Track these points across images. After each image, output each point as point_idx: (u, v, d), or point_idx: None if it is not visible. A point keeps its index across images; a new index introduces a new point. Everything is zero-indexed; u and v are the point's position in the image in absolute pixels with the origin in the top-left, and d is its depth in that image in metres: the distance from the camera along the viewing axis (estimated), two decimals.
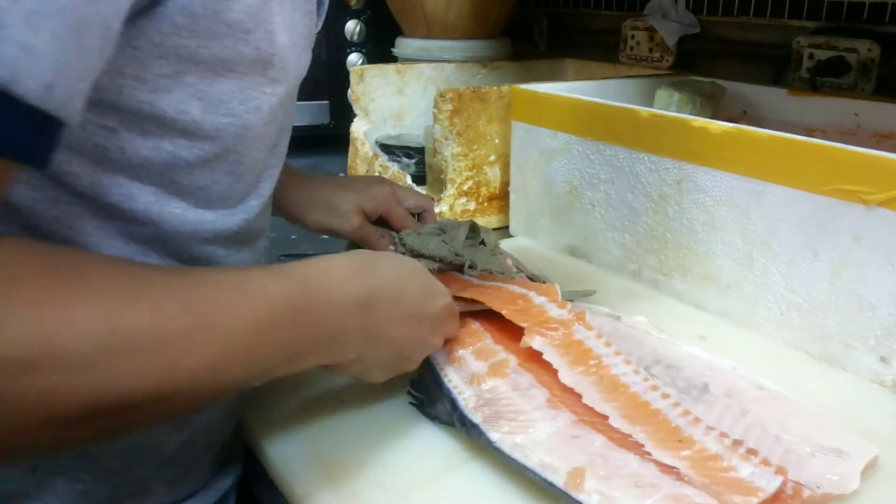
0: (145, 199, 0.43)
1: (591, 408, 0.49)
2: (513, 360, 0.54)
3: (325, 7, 0.54)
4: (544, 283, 0.68)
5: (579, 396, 0.50)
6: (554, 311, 0.58)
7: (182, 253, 0.47)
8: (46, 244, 0.36)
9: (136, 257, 0.45)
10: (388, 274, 0.49)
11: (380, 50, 1.36)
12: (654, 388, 0.53)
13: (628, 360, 0.55)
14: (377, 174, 1.09)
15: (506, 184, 0.96)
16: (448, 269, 0.70)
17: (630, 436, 0.48)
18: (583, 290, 0.77)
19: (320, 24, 0.54)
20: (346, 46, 1.36)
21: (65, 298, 0.32)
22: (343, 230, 0.73)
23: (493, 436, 0.47)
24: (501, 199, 0.97)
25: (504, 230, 0.96)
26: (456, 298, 0.62)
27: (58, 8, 0.30)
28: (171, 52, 0.40)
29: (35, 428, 0.32)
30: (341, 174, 1.23)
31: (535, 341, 0.54)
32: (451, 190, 0.94)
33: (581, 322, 0.56)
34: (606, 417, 0.49)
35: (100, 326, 0.32)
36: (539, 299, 0.59)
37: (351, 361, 0.47)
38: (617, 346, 0.60)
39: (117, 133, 0.41)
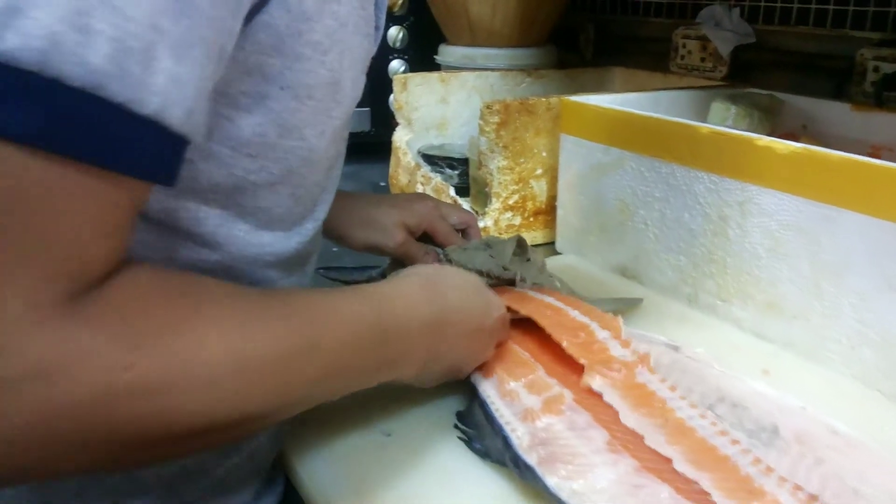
0: (213, 221, 0.43)
1: (655, 452, 0.46)
2: (568, 395, 0.51)
3: (381, 31, 0.53)
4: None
5: (641, 439, 0.46)
6: (617, 350, 0.55)
7: (242, 279, 0.46)
8: (167, 271, 0.37)
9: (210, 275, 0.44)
10: (453, 294, 0.51)
11: (422, 57, 1.34)
12: (723, 433, 0.49)
13: (695, 405, 0.51)
14: (419, 185, 1.06)
15: (553, 198, 0.93)
16: (497, 283, 0.67)
17: (696, 482, 0.45)
18: (630, 299, 0.74)
19: (375, 49, 0.53)
20: (388, 53, 1.34)
21: (194, 326, 0.34)
22: (387, 246, 0.71)
23: (550, 480, 0.44)
24: (548, 214, 0.94)
25: (550, 246, 0.93)
26: (510, 310, 0.60)
27: (199, 38, 0.32)
28: (255, 69, 0.39)
29: (152, 444, 0.33)
30: (382, 183, 1.21)
31: (595, 381, 0.51)
32: (496, 204, 0.91)
33: (645, 365, 0.53)
34: (670, 461, 0.46)
35: (229, 350, 0.35)
36: (602, 333, 0.56)
37: (412, 378, 0.49)
38: (677, 379, 0.57)
39: (191, 162, 0.40)
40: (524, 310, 0.60)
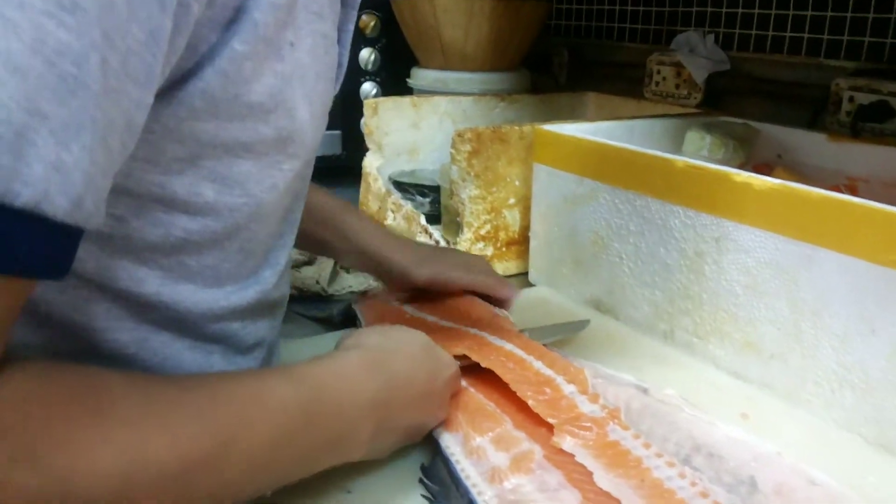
0: (153, 282, 0.41)
1: None
2: (538, 451, 0.49)
3: (344, 69, 0.51)
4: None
5: (617, 501, 0.44)
6: (586, 407, 0.52)
7: (195, 330, 0.44)
8: (63, 367, 0.33)
9: (148, 337, 0.42)
10: (399, 363, 0.49)
11: (394, 79, 1.32)
12: (704, 493, 0.47)
13: (672, 463, 0.49)
14: (390, 212, 1.03)
15: (526, 228, 0.90)
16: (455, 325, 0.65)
17: None
18: (575, 323, 0.72)
19: (338, 87, 0.51)
20: (359, 75, 1.31)
21: (88, 434, 0.31)
22: (460, 280, 0.71)
23: None
24: (521, 244, 0.91)
25: (523, 277, 0.91)
26: (466, 359, 0.58)
27: (89, 119, 0.29)
28: (188, 136, 0.37)
29: None
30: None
31: (565, 442, 0.48)
32: (467, 234, 0.89)
33: (616, 421, 0.51)
34: None
35: (122, 461, 0.32)
36: (568, 388, 0.54)
37: (357, 456, 0.47)
38: (650, 426, 0.55)
39: (125, 221, 0.38)
40: (485, 362, 0.57)
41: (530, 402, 0.53)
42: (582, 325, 0.73)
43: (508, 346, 0.61)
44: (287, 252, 0.51)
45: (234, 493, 0.37)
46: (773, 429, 0.59)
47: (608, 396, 0.58)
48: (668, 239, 0.69)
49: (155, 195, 0.38)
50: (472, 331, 0.64)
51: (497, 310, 0.70)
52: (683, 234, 0.68)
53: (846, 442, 0.58)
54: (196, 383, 0.38)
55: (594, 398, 0.55)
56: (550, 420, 0.51)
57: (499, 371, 0.56)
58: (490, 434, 0.51)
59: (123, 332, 0.41)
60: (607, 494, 0.44)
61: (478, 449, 0.49)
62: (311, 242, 0.72)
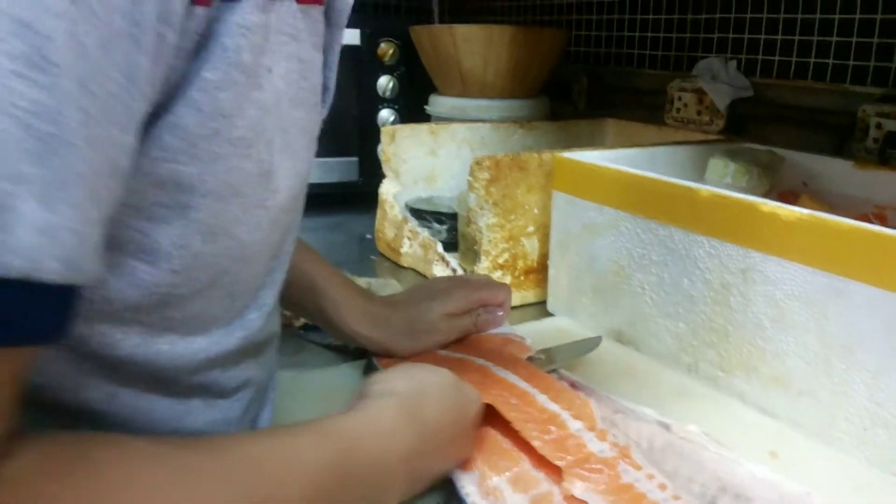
0: (130, 342, 0.38)
1: None
2: (557, 493, 0.47)
3: (332, 92, 0.49)
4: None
5: None
6: (594, 445, 0.50)
7: (173, 385, 0.41)
8: (65, 439, 0.31)
9: (118, 392, 0.39)
10: (430, 408, 0.47)
11: (412, 106, 1.31)
12: None
13: None
14: (406, 239, 1.02)
15: (544, 256, 0.89)
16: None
17: None
18: (587, 340, 0.70)
19: (325, 112, 0.49)
20: (377, 102, 1.31)
21: None
22: (441, 344, 0.69)
23: None
24: (539, 272, 0.90)
25: (541, 306, 0.89)
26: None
27: (74, 175, 0.27)
28: (167, 180, 0.34)
29: None
30: (368, 235, 1.17)
31: (576, 488, 0.46)
32: (485, 262, 0.87)
33: (628, 460, 0.49)
34: None
35: None
36: (575, 424, 0.52)
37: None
38: (675, 466, 0.53)
39: (104, 281, 0.35)
40: (487, 397, 0.55)
41: (535, 444, 0.51)
42: (595, 342, 0.71)
43: (512, 378, 0.59)
44: (276, 291, 0.48)
45: None
46: (803, 468, 0.56)
47: (629, 432, 0.56)
48: (692, 270, 0.68)
49: (137, 244, 0.35)
50: (479, 362, 0.63)
51: (512, 333, 0.68)
52: (708, 265, 0.66)
53: (878, 481, 0.55)
54: (225, 447, 0.37)
55: (602, 435, 0.53)
56: (558, 463, 0.49)
57: (501, 409, 0.54)
58: (507, 474, 0.49)
59: (92, 390, 0.39)
60: None
61: (494, 490, 0.48)
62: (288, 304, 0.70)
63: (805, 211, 0.59)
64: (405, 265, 1.03)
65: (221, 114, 0.34)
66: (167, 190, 0.34)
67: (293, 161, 0.41)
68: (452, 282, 0.74)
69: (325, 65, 0.46)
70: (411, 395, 0.47)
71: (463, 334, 0.70)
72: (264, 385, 0.51)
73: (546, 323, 0.83)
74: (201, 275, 0.38)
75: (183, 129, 0.33)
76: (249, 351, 0.46)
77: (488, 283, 0.73)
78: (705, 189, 0.66)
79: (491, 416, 0.56)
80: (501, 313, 0.72)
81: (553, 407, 0.56)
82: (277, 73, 0.38)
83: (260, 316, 0.45)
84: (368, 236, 1.16)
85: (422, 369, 0.51)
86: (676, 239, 0.69)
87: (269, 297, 0.46)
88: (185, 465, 0.33)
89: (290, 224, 0.47)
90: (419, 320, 0.68)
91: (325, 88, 0.47)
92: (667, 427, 0.56)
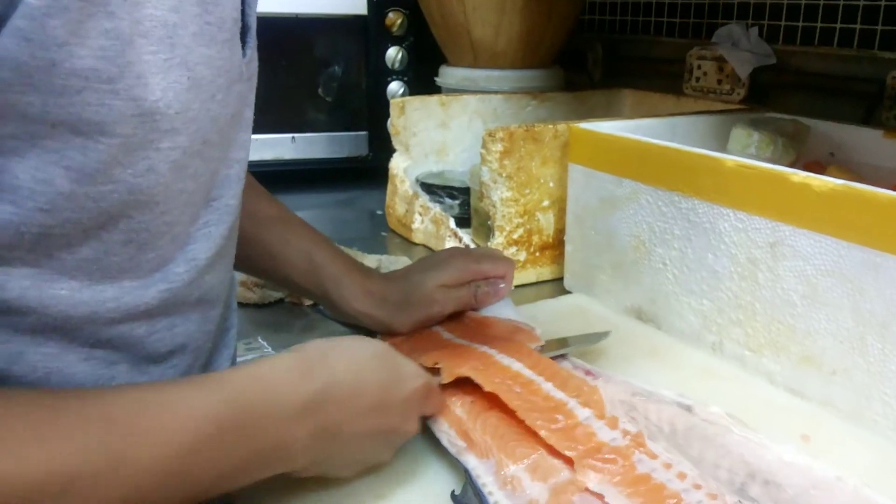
0: (18, 284, 0.35)
1: None
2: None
3: (253, 33, 0.46)
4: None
5: None
6: (605, 434, 0.48)
7: (87, 338, 0.39)
8: None
9: (24, 350, 0.37)
10: (342, 368, 0.44)
11: (422, 78, 1.28)
12: None
13: (713, 494, 0.44)
14: (417, 215, 1.00)
15: (560, 232, 0.86)
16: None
17: None
18: (595, 334, 0.67)
19: (250, 53, 0.46)
20: (386, 74, 1.28)
21: None
22: (439, 315, 0.67)
23: None
24: (555, 248, 0.87)
25: (558, 283, 0.86)
26: (467, 381, 0.53)
27: None
28: (7, 109, 0.32)
29: None
30: (378, 211, 1.14)
31: (590, 479, 0.44)
32: (499, 238, 0.84)
33: (642, 449, 0.46)
34: None
35: None
36: (583, 413, 0.50)
37: (304, 467, 0.43)
38: (700, 450, 0.50)
39: None
40: (489, 385, 0.52)
41: (542, 433, 0.48)
42: (601, 336, 0.67)
43: (516, 366, 0.56)
44: (211, 246, 0.45)
45: None
46: (836, 451, 0.54)
47: (650, 415, 0.54)
48: (717, 244, 0.65)
49: None
50: (483, 348, 0.60)
51: (519, 321, 0.66)
52: (734, 239, 0.63)
53: None
54: (92, 394, 0.35)
55: (613, 423, 0.50)
56: (568, 453, 0.46)
57: (504, 397, 0.51)
58: (525, 462, 0.47)
59: None
60: None
61: (512, 479, 0.45)
62: (271, 275, 0.68)
63: (838, 182, 0.55)
64: (417, 241, 1.01)
65: (55, 43, 0.32)
66: (11, 119, 0.32)
67: (203, 102, 0.39)
68: (451, 253, 0.71)
69: (243, 1, 0.43)
70: (318, 354, 0.44)
71: (461, 306, 0.67)
72: (204, 352, 0.48)
73: (563, 301, 0.81)
74: (82, 216, 0.36)
75: (10, 60, 0.31)
76: (178, 309, 0.43)
77: (489, 254, 0.70)
78: (731, 159, 0.63)
79: (501, 405, 0.53)
80: (503, 286, 0.68)
81: (559, 395, 0.53)
82: (152, 3, 0.35)
83: (188, 270, 0.43)
84: (379, 212, 1.14)
85: (348, 338, 0.49)
86: (700, 212, 0.65)
87: (202, 251, 0.43)
88: (39, 412, 0.32)
89: (214, 173, 0.44)
90: (414, 293, 0.65)
91: (245, 27, 0.44)
92: (688, 408, 0.53)
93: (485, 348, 0.58)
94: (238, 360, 0.69)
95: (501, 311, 0.68)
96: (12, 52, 0.31)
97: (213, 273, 0.46)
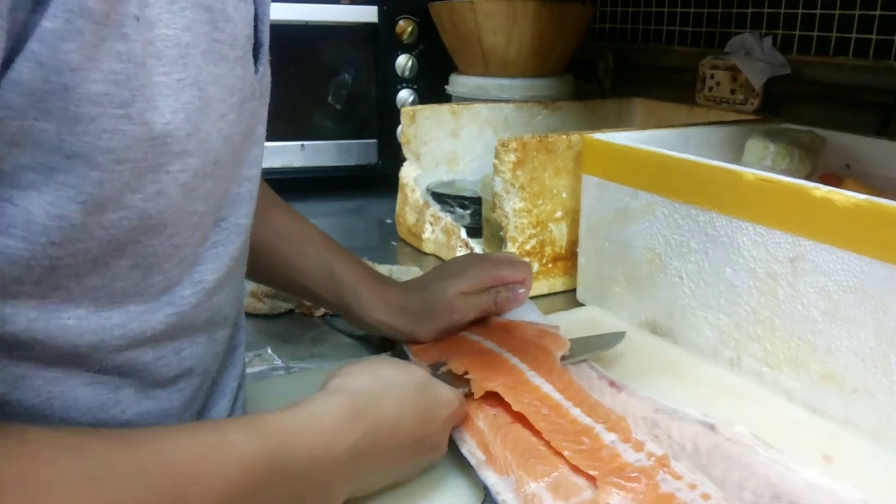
0: (24, 316, 0.34)
1: None
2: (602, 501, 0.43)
3: (266, 49, 0.45)
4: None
5: None
6: (630, 455, 0.47)
7: (92, 364, 0.37)
8: None
9: (27, 374, 0.36)
10: (387, 408, 0.45)
11: (432, 86, 1.27)
12: None
13: None
14: (428, 224, 0.99)
15: (573, 243, 0.85)
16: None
17: None
18: (611, 335, 0.67)
19: (262, 70, 0.45)
20: (396, 82, 1.27)
21: None
22: (461, 323, 0.66)
23: None
24: (568, 260, 0.86)
25: (570, 295, 0.85)
26: (495, 396, 0.53)
27: None
28: (22, 138, 0.31)
29: None
30: (388, 220, 1.13)
31: (612, 498, 0.43)
32: (511, 248, 0.84)
33: (666, 470, 0.45)
34: None
35: None
36: (609, 437, 0.49)
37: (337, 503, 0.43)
38: (724, 471, 0.49)
39: None
40: (517, 405, 0.52)
41: (566, 454, 0.47)
42: (618, 337, 0.68)
43: (546, 388, 0.55)
44: (220, 267, 0.43)
45: None
46: (860, 472, 0.52)
47: (672, 433, 0.53)
48: (735, 258, 0.64)
49: (7, 215, 0.32)
50: (513, 360, 0.59)
51: (547, 324, 0.65)
52: (753, 254, 0.62)
53: None
54: (138, 439, 0.35)
55: (639, 447, 0.49)
56: (591, 472, 0.46)
57: (531, 418, 0.51)
58: (546, 479, 0.46)
59: None
60: None
61: (533, 497, 0.44)
62: (289, 286, 0.67)
63: (861, 196, 0.54)
64: (427, 251, 1.00)
65: (69, 67, 0.31)
66: (26, 150, 0.31)
67: (214, 122, 0.38)
68: (469, 260, 0.70)
69: (256, 17, 0.42)
70: (364, 394, 0.44)
71: (482, 313, 0.67)
72: (211, 373, 0.47)
73: (576, 313, 0.80)
74: (92, 246, 0.35)
75: (24, 85, 0.30)
76: (185, 332, 0.42)
77: (507, 260, 0.69)
78: (750, 172, 0.62)
79: (524, 420, 0.52)
80: (523, 290, 0.68)
81: (587, 420, 0.52)
82: (163, 22, 0.34)
83: (195, 294, 0.41)
84: (388, 221, 1.13)
85: (390, 366, 0.49)
86: (718, 225, 0.65)
87: (210, 273, 0.42)
88: (92, 459, 0.31)
89: (224, 193, 0.43)
90: (435, 302, 0.65)
91: (258, 44, 0.43)
92: (712, 427, 0.52)
93: (515, 360, 0.58)
94: (246, 371, 0.68)
95: (525, 314, 0.68)
96: (26, 76, 0.30)
97: (221, 294, 0.44)
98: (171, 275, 0.40)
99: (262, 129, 0.46)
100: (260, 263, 0.64)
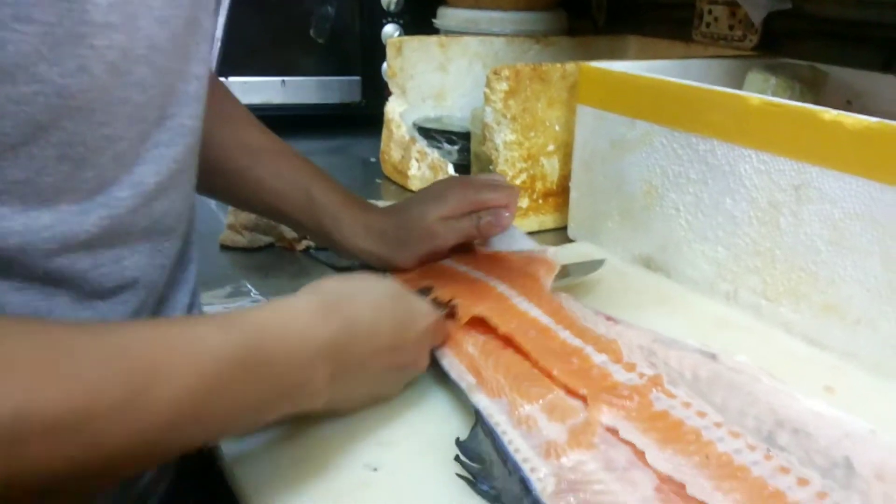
0: None
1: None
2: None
3: None
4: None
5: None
6: (621, 375, 0.45)
7: (20, 270, 0.35)
8: None
9: None
10: (361, 308, 0.43)
11: (419, 21, 1.22)
12: (785, 469, 0.40)
13: (736, 433, 0.42)
14: (414, 161, 0.95)
15: (565, 178, 0.82)
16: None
17: None
18: (590, 262, 0.67)
19: None
20: (381, 17, 1.22)
21: None
22: (442, 249, 0.63)
23: None
24: (559, 196, 0.83)
25: (561, 232, 0.83)
26: (484, 321, 0.51)
27: None
28: None
29: None
30: (372, 159, 1.10)
31: (604, 415, 0.41)
32: None
33: (660, 388, 0.43)
34: None
35: (7, 408, 0.27)
36: (599, 357, 0.47)
37: (316, 407, 0.42)
38: (724, 398, 0.47)
39: None
40: (504, 328, 0.50)
41: (555, 372, 0.46)
42: (596, 265, 0.66)
43: (534, 312, 0.53)
44: (163, 170, 0.41)
45: (153, 445, 0.32)
46: (862, 403, 0.51)
47: (670, 362, 0.51)
48: (736, 188, 0.61)
49: None
50: (500, 287, 0.57)
51: (532, 249, 0.62)
52: (755, 182, 0.59)
53: None
54: (105, 329, 0.33)
55: (630, 367, 0.47)
56: (581, 391, 0.44)
57: (519, 339, 0.49)
58: (540, 401, 0.44)
59: None
60: None
61: (527, 419, 0.42)
62: (265, 210, 0.64)
63: (874, 119, 0.52)
64: (413, 189, 0.96)
65: None
66: None
67: (145, 4, 0.35)
68: (451, 183, 0.67)
69: None
70: (338, 294, 0.43)
71: (464, 238, 0.63)
72: (158, 287, 0.45)
73: (568, 249, 0.77)
74: (5, 125, 0.32)
75: None
76: (123, 240, 0.40)
77: (491, 182, 0.65)
78: (756, 97, 0.59)
79: (514, 346, 0.50)
80: (508, 214, 0.64)
81: (576, 342, 0.50)
82: None
83: (133, 196, 0.39)
84: (373, 160, 1.09)
85: (364, 278, 0.47)
86: (719, 154, 0.62)
87: (151, 175, 0.40)
88: (55, 344, 0.30)
89: (169, 89, 0.40)
90: (414, 227, 0.62)
91: None
92: (713, 357, 0.50)
93: (502, 287, 0.55)
94: (223, 306, 0.65)
95: (512, 242, 0.65)
96: None
97: (163, 201, 0.42)
98: (106, 171, 0.37)
99: (208, 22, 0.43)
100: (233, 184, 0.61)
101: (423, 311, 0.48)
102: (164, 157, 0.41)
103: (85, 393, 0.29)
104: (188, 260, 0.50)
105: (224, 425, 0.37)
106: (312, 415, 0.44)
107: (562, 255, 0.75)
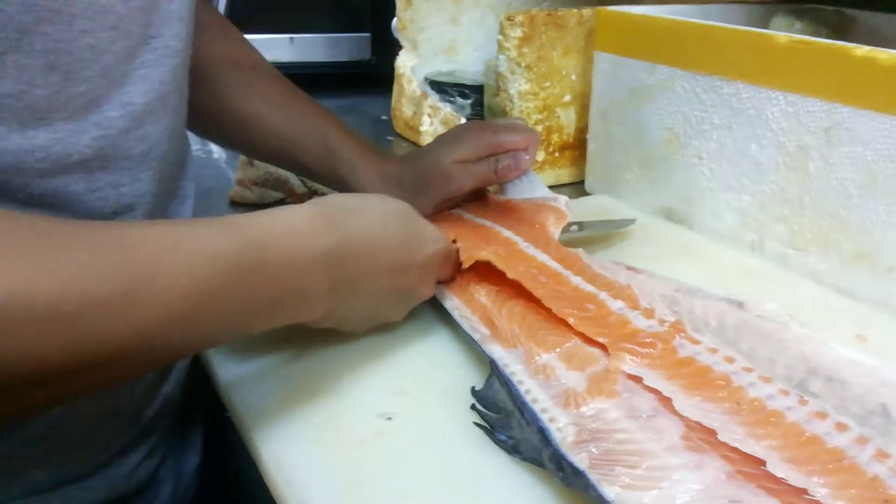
0: None
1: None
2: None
3: None
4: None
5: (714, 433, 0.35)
6: (640, 322, 0.43)
7: (15, 192, 0.36)
8: None
9: None
10: (366, 223, 0.43)
11: None
12: (821, 414, 0.38)
13: (767, 378, 0.40)
14: (426, 116, 0.93)
15: (582, 130, 0.79)
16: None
17: (805, 491, 0.33)
18: (619, 221, 0.65)
19: None
20: None
21: None
22: (460, 192, 0.60)
23: (609, 491, 0.32)
24: (576, 148, 0.81)
25: (578, 186, 0.80)
26: (493, 267, 0.49)
27: None
28: None
29: None
30: (383, 116, 1.07)
31: (626, 364, 0.39)
32: None
33: (683, 335, 0.41)
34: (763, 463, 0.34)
35: (2, 293, 0.27)
36: (615, 304, 0.45)
37: (318, 318, 0.42)
38: (752, 346, 0.45)
39: None
40: (511, 273, 0.48)
41: (570, 321, 0.43)
42: (625, 223, 0.65)
43: (542, 257, 0.51)
44: (152, 89, 0.41)
45: (149, 341, 0.32)
46: (894, 353, 0.49)
47: (695, 310, 0.48)
48: (762, 132, 0.58)
49: None
50: (506, 233, 0.54)
51: (546, 196, 0.60)
52: (783, 126, 0.57)
53: None
54: (105, 226, 0.33)
55: (649, 313, 0.45)
56: (600, 339, 0.42)
57: (528, 285, 0.47)
58: (557, 350, 0.42)
59: None
60: None
61: (545, 367, 0.40)
62: (280, 157, 0.63)
63: None
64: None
65: None
66: None
67: None
68: (468, 126, 0.64)
69: None
70: (342, 207, 0.42)
71: (482, 183, 0.61)
72: (156, 215, 0.45)
73: (585, 202, 0.75)
74: None
75: None
76: (118, 163, 0.40)
77: (510, 125, 0.63)
78: (784, 35, 0.56)
79: (527, 295, 0.48)
80: (527, 157, 0.61)
81: (589, 287, 0.48)
82: None
83: (123, 116, 0.39)
84: (384, 118, 1.07)
85: (373, 197, 0.47)
86: (745, 97, 0.59)
87: (139, 95, 0.40)
88: (53, 236, 0.30)
89: (152, 5, 0.41)
90: (430, 172, 0.60)
91: None
92: (740, 305, 0.48)
93: (509, 233, 0.53)
94: None
95: (529, 189, 0.62)
96: None
97: (154, 123, 0.42)
98: (96, 87, 0.38)
99: None
100: (246, 132, 0.60)
101: (433, 236, 0.48)
102: (151, 77, 0.41)
103: (85, 283, 0.29)
104: (185, 195, 0.50)
105: (217, 332, 0.36)
106: (320, 335, 0.44)
107: (581, 208, 0.73)
